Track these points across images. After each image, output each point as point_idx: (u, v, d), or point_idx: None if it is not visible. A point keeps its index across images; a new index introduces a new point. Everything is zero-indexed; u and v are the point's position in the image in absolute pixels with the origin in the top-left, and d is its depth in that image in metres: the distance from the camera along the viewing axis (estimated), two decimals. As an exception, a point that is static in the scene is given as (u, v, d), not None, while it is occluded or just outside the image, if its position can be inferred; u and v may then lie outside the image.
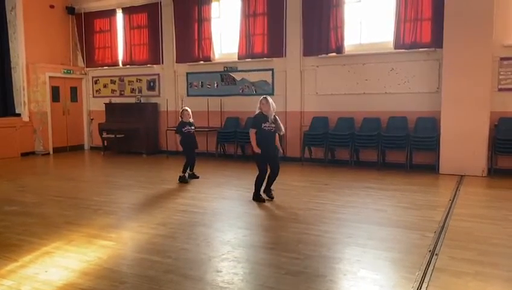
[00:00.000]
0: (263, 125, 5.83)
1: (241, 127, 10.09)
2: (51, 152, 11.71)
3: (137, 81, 11.91)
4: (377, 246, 4.12)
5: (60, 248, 4.17)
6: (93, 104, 12.73)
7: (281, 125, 6.03)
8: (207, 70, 10.76)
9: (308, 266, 3.65)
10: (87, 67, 12.59)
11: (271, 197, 5.96)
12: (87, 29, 12.39)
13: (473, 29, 7.53)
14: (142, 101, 11.59)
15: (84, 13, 12.37)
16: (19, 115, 11.38)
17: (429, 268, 3.54)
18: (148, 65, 11.58)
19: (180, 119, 7.60)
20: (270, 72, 9.99)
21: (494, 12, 7.44)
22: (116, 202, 6.14)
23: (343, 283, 3.37)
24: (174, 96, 11.24)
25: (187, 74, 11.07)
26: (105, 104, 12.01)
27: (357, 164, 8.92)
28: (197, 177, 7.59)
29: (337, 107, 9.24)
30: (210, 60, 10.63)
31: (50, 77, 11.70)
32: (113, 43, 12.06)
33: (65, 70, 12.17)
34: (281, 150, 6.16)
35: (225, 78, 10.54)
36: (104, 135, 11.60)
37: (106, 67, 12.29)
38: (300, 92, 9.66)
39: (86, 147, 12.85)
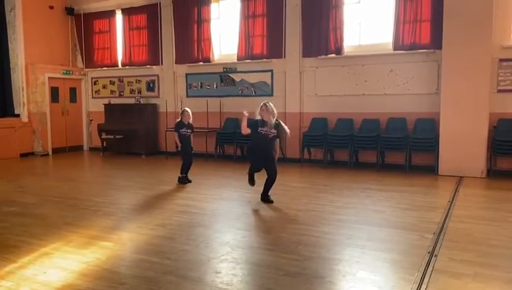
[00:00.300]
0: (260, 128, 5.75)
1: (240, 128, 10.06)
2: (50, 153, 11.70)
3: (136, 82, 11.91)
4: (376, 247, 4.12)
5: (59, 249, 4.16)
6: (92, 105, 12.72)
7: (285, 128, 5.84)
8: (206, 71, 10.76)
9: (307, 267, 3.64)
10: (86, 68, 12.59)
11: (270, 201, 5.88)
12: (86, 30, 12.39)
13: (472, 31, 7.54)
14: (141, 102, 11.58)
15: (83, 14, 12.37)
16: (18, 115, 11.38)
17: (428, 269, 3.54)
18: (148, 66, 11.58)
19: (179, 119, 7.46)
20: (270, 73, 9.99)
21: (493, 13, 7.45)
22: (116, 203, 6.13)
23: (342, 284, 3.37)
24: (174, 97, 11.25)
25: (186, 74, 11.07)
26: (105, 104, 12.00)
27: (357, 165, 8.93)
28: (190, 181, 7.40)
29: (336, 108, 9.25)
30: (209, 61, 10.64)
31: (49, 78, 11.70)
32: (112, 44, 12.06)
33: (64, 71, 12.17)
34: (276, 157, 5.93)
35: (224, 79, 10.54)
36: (103, 135, 11.60)
37: (105, 68, 12.29)
38: (299, 93, 9.66)
39: (85, 147, 12.84)
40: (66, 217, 5.34)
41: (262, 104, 5.86)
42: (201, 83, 10.89)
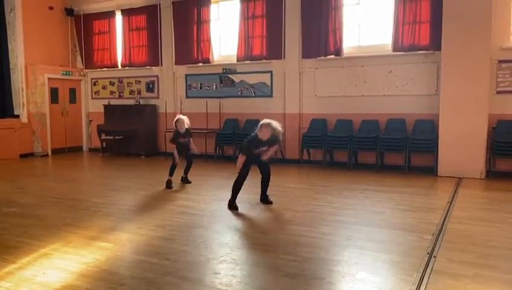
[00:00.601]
0: (255, 151, 5.59)
1: (240, 129, 10.10)
2: (50, 153, 11.70)
3: (136, 82, 11.91)
4: (375, 248, 4.12)
5: (58, 250, 4.16)
6: (92, 106, 12.72)
7: (279, 129, 5.54)
8: (206, 72, 10.77)
9: (306, 269, 3.65)
10: (86, 68, 12.59)
11: (269, 202, 5.89)
12: (86, 30, 12.39)
13: (471, 32, 7.55)
14: (141, 103, 11.59)
15: (83, 15, 12.37)
16: (17, 116, 11.36)
17: (427, 270, 3.54)
18: (147, 67, 11.59)
19: (175, 128, 7.22)
20: (269, 74, 10.00)
21: (492, 14, 7.46)
22: (115, 203, 6.13)
23: (342, 285, 3.37)
24: (173, 98, 11.25)
25: (186, 75, 11.07)
26: (104, 105, 12.00)
27: (356, 166, 8.93)
28: (189, 182, 7.42)
29: (335, 109, 9.25)
30: (209, 62, 10.64)
31: (49, 79, 11.69)
32: (112, 44, 12.06)
33: (64, 72, 12.17)
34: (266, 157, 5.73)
35: (224, 80, 10.55)
36: (103, 136, 11.60)
37: (105, 69, 12.29)
38: (299, 94, 9.67)
39: (85, 148, 12.84)
40: (65, 217, 5.34)
41: (266, 124, 5.46)
42: (200, 83, 10.89)
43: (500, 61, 7.76)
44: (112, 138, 11.40)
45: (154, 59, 11.43)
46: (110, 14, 11.96)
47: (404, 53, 8.55)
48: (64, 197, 6.51)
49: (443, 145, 7.91)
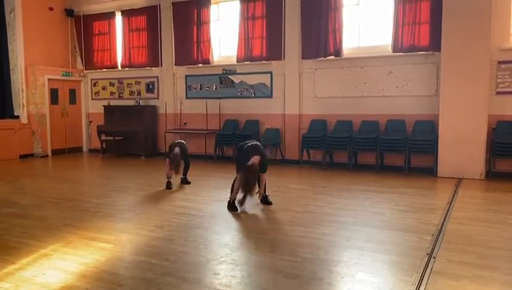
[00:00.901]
0: (246, 164, 5.54)
1: (239, 130, 10.10)
2: (50, 154, 11.70)
3: (136, 83, 11.91)
4: (375, 248, 4.13)
5: (58, 250, 4.16)
6: (91, 107, 12.72)
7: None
8: (206, 73, 10.77)
9: (305, 269, 3.65)
10: (86, 69, 12.59)
11: (269, 203, 5.90)
12: (86, 31, 12.40)
13: (471, 33, 7.56)
14: (140, 104, 11.58)
15: (83, 15, 12.38)
16: (17, 117, 11.36)
17: (427, 271, 3.54)
18: (147, 68, 11.59)
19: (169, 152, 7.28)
20: (269, 74, 10.00)
21: (492, 15, 7.47)
22: (115, 204, 6.14)
23: (341, 286, 3.37)
24: (173, 98, 11.25)
25: (186, 76, 11.08)
26: (104, 106, 12.01)
27: (355, 166, 8.93)
28: (189, 183, 7.44)
29: (335, 110, 9.26)
30: (209, 63, 10.65)
31: (49, 79, 11.69)
32: (112, 45, 12.07)
33: (64, 73, 12.17)
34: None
35: (224, 80, 10.55)
36: (103, 137, 11.60)
37: (105, 70, 12.29)
38: (298, 94, 9.67)
39: (85, 149, 12.84)
40: (65, 218, 5.34)
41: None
42: (200, 84, 10.89)
43: (499, 62, 7.76)
44: (111, 138, 11.40)
45: (154, 60, 11.43)
46: (110, 15, 11.97)
47: (404, 54, 8.56)
48: (64, 198, 6.51)
49: (443, 146, 7.92)
